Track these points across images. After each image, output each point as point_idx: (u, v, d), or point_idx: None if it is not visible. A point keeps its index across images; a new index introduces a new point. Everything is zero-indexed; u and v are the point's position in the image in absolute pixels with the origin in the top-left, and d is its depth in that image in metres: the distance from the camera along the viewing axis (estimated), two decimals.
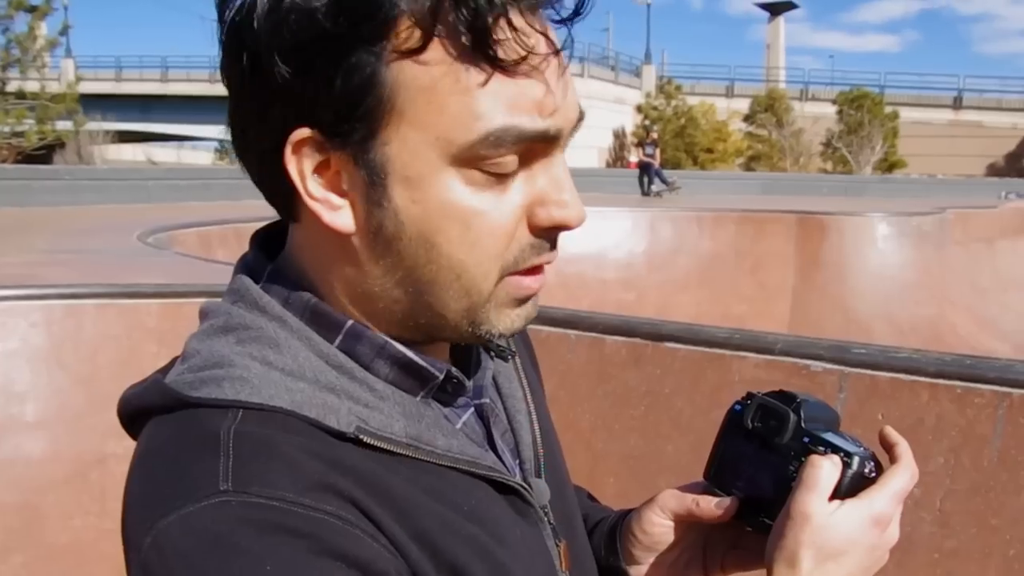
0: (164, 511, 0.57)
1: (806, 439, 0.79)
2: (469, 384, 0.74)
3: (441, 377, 0.70)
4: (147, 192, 15.63)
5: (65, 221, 10.83)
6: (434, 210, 0.63)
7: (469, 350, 0.78)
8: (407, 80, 0.60)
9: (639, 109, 40.18)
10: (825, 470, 0.76)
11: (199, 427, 0.62)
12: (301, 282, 0.69)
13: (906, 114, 40.97)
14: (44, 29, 23.79)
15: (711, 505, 0.86)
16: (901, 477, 0.77)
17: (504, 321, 0.69)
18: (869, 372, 2.59)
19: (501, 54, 0.59)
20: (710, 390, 2.94)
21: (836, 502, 0.75)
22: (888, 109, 39.95)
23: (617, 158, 39.26)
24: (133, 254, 6.94)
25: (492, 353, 0.81)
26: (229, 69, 0.64)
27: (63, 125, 24.87)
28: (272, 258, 0.73)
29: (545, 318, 3.35)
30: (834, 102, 41.22)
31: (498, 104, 0.61)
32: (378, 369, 0.68)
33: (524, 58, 0.60)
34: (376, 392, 0.67)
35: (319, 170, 0.63)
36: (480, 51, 0.59)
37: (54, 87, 25.46)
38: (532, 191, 0.65)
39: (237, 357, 0.65)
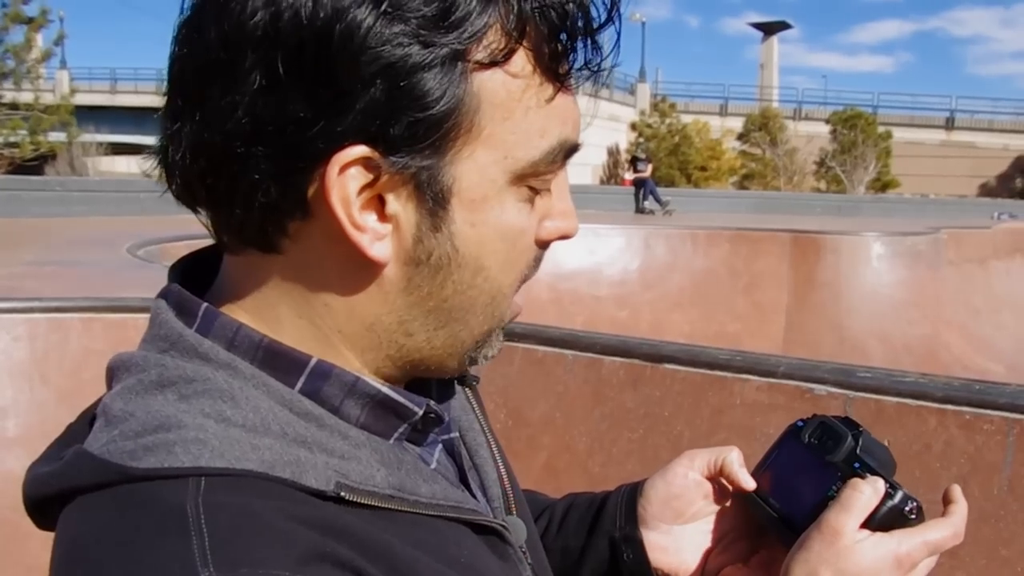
0: None
1: (856, 464, 0.78)
2: (447, 417, 0.69)
3: (420, 413, 0.64)
4: (139, 204, 15.52)
5: (54, 233, 10.76)
6: (490, 233, 0.60)
7: (429, 382, 0.72)
8: (488, 94, 0.57)
9: (633, 127, 40.38)
10: (865, 495, 0.74)
11: (153, 504, 0.52)
12: (255, 319, 0.61)
13: (899, 134, 41.36)
14: (40, 41, 23.82)
15: (738, 465, 0.85)
16: (940, 529, 0.74)
17: (497, 345, 0.67)
18: (874, 397, 2.53)
19: (567, 68, 0.59)
20: (710, 413, 2.86)
21: (866, 531, 0.74)
22: (881, 129, 40.30)
23: (611, 175, 39.41)
24: (121, 267, 6.87)
25: (455, 383, 0.76)
26: (241, 58, 0.54)
27: (56, 136, 24.89)
28: (199, 294, 0.63)
29: (542, 338, 3.29)
30: (827, 121, 41.63)
31: (557, 119, 0.60)
32: (348, 412, 0.61)
33: (579, 71, 0.60)
34: (350, 439, 0.60)
35: (360, 192, 0.56)
36: (555, 65, 0.58)
37: (48, 98, 25.49)
38: (544, 203, 0.64)
39: (186, 416, 0.55)
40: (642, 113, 42.02)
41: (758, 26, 57.94)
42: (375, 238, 0.57)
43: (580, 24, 0.58)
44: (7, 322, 3.91)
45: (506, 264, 0.62)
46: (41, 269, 6.74)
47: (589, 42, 0.59)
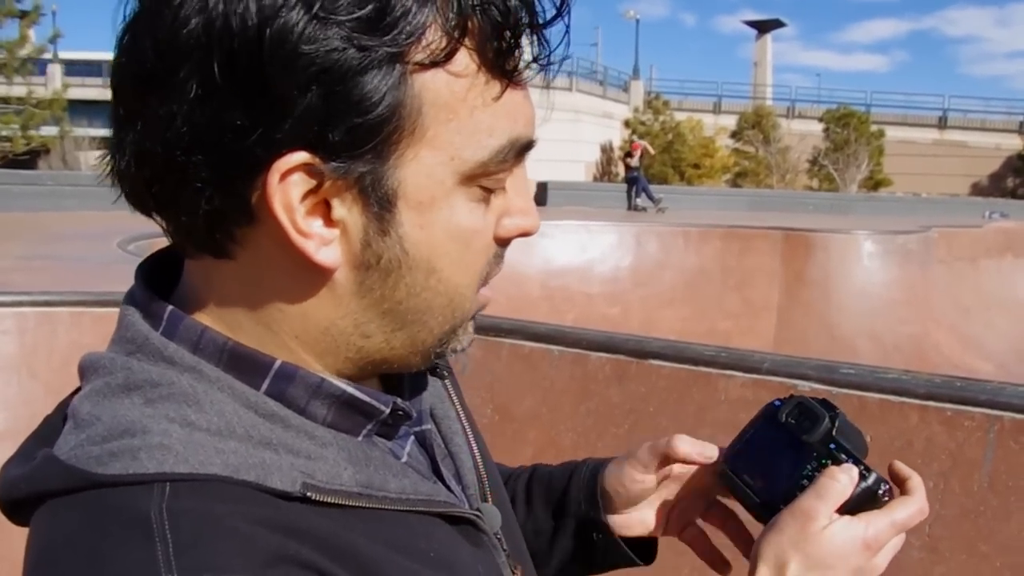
0: None
1: (832, 445, 0.80)
2: (414, 413, 0.69)
3: (387, 411, 0.64)
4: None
5: (45, 227, 10.72)
6: (440, 234, 0.59)
7: (401, 375, 0.72)
8: (430, 95, 0.55)
9: (627, 124, 40.34)
10: (840, 483, 0.75)
11: (118, 511, 0.52)
12: (217, 322, 0.61)
13: (892, 133, 41.41)
14: (33, 36, 23.71)
15: (686, 445, 0.87)
16: (906, 508, 0.76)
17: (465, 337, 0.67)
18: (857, 393, 2.56)
19: (514, 64, 0.58)
20: (695, 409, 2.87)
21: (836, 515, 0.75)
22: (874, 128, 40.32)
23: (604, 172, 39.39)
24: (112, 261, 6.84)
25: (428, 374, 0.76)
26: (176, 67, 0.53)
27: (49, 131, 24.77)
28: (165, 296, 0.63)
29: (528, 333, 3.30)
30: (821, 120, 41.60)
31: (506, 117, 0.59)
32: (315, 412, 0.61)
33: (527, 67, 0.59)
34: (316, 439, 0.60)
35: (304, 199, 0.55)
36: (500, 61, 0.57)
37: (41, 92, 25.38)
38: (502, 202, 0.63)
39: (150, 421, 0.56)
40: (636, 110, 41.94)
41: (752, 24, 57.94)
42: (322, 243, 0.57)
43: (524, 19, 0.57)
44: None
45: (460, 265, 0.61)
46: (31, 263, 6.72)
47: (536, 37, 0.58)
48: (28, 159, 24.83)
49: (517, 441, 3.23)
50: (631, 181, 20.91)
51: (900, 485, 0.79)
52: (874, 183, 39.34)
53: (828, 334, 11.65)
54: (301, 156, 0.54)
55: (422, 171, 0.57)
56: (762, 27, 56.60)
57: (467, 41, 0.55)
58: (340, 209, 0.57)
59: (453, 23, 0.54)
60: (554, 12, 0.58)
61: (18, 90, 23.59)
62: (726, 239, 13.03)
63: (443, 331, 0.64)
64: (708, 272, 12.66)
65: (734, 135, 41.10)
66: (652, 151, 26.24)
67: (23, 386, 3.84)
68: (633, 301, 11.99)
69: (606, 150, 39.93)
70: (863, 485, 0.76)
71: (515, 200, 0.64)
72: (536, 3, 0.58)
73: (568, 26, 0.59)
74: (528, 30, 0.58)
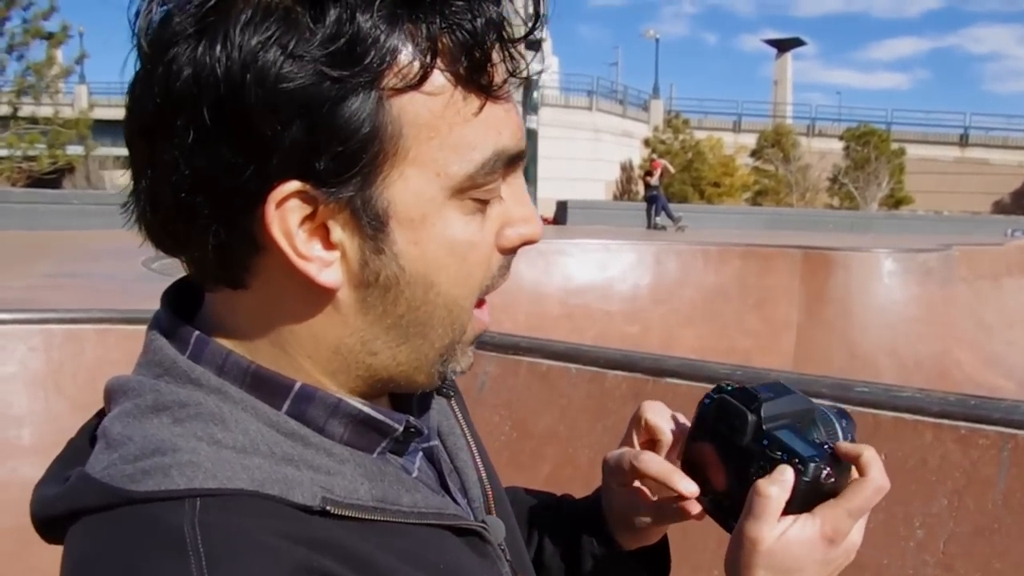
0: None
1: (765, 441, 0.77)
2: (426, 431, 0.72)
3: (401, 429, 0.67)
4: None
5: (71, 245, 10.86)
6: (435, 249, 0.62)
7: (410, 395, 0.75)
8: (409, 116, 0.58)
9: (647, 143, 40.31)
10: (773, 498, 0.73)
11: (153, 526, 0.55)
12: (238, 346, 0.64)
13: (913, 151, 41.08)
14: (60, 57, 24.01)
15: (652, 461, 0.85)
16: (860, 493, 0.74)
17: (466, 358, 0.69)
18: (872, 411, 2.57)
19: (489, 79, 0.60)
20: None
21: (787, 520, 0.74)
22: (895, 146, 40.05)
23: (624, 191, 39.37)
24: (137, 280, 6.93)
25: (434, 392, 0.79)
26: (174, 117, 0.57)
27: (74, 150, 25.02)
28: (188, 319, 0.67)
29: (546, 351, 3.33)
30: (841, 138, 41.36)
31: (489, 130, 0.61)
32: (332, 430, 0.65)
33: (505, 81, 0.60)
34: (334, 456, 0.63)
35: (302, 224, 0.59)
36: (476, 78, 0.59)
37: (67, 112, 25.66)
38: (501, 212, 0.65)
39: (180, 440, 0.59)
40: (655, 129, 41.89)
41: (772, 43, 57.85)
42: (323, 265, 0.60)
43: (493, 36, 0.59)
44: (23, 333, 3.97)
45: (458, 277, 0.63)
46: (57, 281, 6.82)
47: (508, 53, 0.61)
48: (53, 178, 25.09)
49: (535, 458, 3.26)
50: (651, 200, 20.88)
51: (855, 465, 0.76)
52: (895, 201, 39.05)
53: (848, 352, 11.56)
54: (293, 185, 0.57)
55: (410, 189, 0.59)
56: (782, 46, 56.48)
57: (439, 62, 0.58)
58: (337, 232, 0.60)
59: (423, 47, 0.57)
60: (526, 29, 0.61)
61: (45, 110, 23.88)
62: (746, 258, 12.99)
63: (444, 344, 0.66)
64: (727, 291, 12.61)
65: (754, 154, 40.96)
66: (672, 170, 26.25)
67: (50, 402, 3.90)
68: (653, 319, 11.96)
69: (626, 169, 39.92)
70: (804, 480, 0.74)
71: (514, 209, 0.66)
72: (503, 20, 0.60)
73: (539, 41, 0.63)
74: (499, 45, 0.60)
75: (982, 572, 2.35)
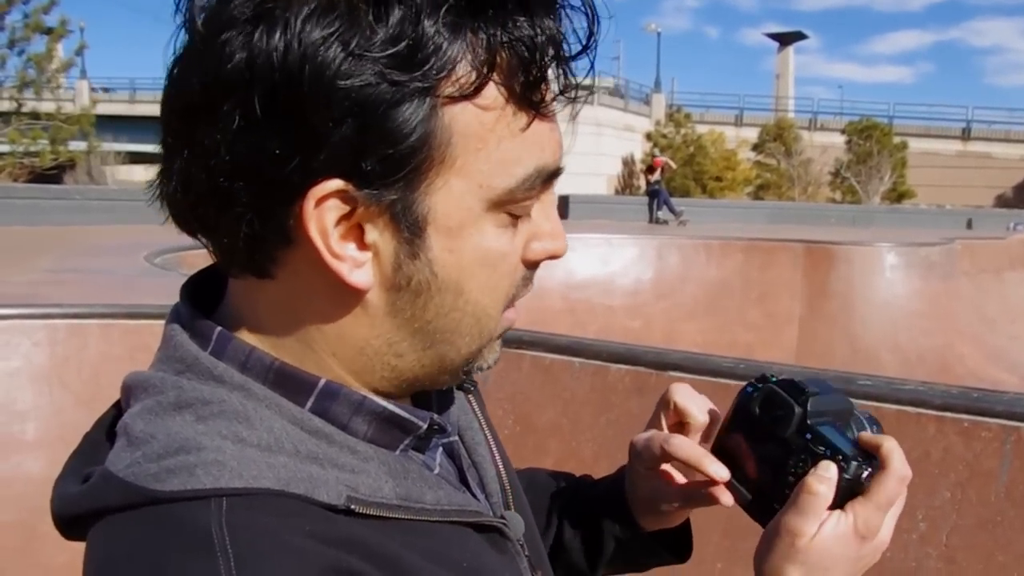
0: None
1: (808, 435, 0.77)
2: (448, 428, 0.72)
3: (425, 426, 0.67)
4: (158, 213, 15.65)
5: (73, 241, 10.86)
6: (469, 258, 0.62)
7: (429, 391, 0.74)
8: (460, 126, 0.58)
9: (648, 137, 40.29)
10: (820, 495, 0.74)
11: (180, 526, 0.55)
12: (261, 342, 0.64)
13: (915, 144, 41.03)
14: (60, 51, 24.02)
15: (683, 444, 0.83)
16: (886, 486, 0.74)
17: (492, 355, 0.69)
18: (874, 404, 2.57)
19: (541, 96, 0.60)
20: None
21: (823, 516, 0.74)
22: (897, 139, 39.98)
23: (626, 185, 39.35)
24: (139, 274, 6.93)
25: (455, 388, 0.79)
26: (221, 100, 0.56)
27: (76, 145, 25.05)
28: (208, 313, 0.66)
29: (549, 345, 3.34)
30: (843, 132, 41.30)
31: (533, 147, 0.61)
32: (356, 428, 0.64)
33: (554, 99, 0.61)
34: (359, 454, 0.63)
35: (338, 223, 0.58)
36: (529, 94, 0.59)
37: (69, 108, 25.68)
38: (530, 225, 0.65)
39: (204, 438, 0.58)
40: (657, 123, 41.87)
41: (774, 36, 57.77)
42: (355, 266, 0.59)
43: (551, 54, 0.59)
44: (27, 328, 3.97)
45: (487, 287, 0.63)
46: (60, 276, 6.81)
47: (562, 71, 0.61)
48: (55, 173, 25.13)
49: (538, 452, 3.27)
50: (652, 194, 20.87)
51: (877, 455, 0.75)
52: (897, 195, 39.02)
53: (851, 346, 11.58)
54: (336, 183, 0.56)
55: (451, 198, 0.59)
56: (784, 40, 56.40)
57: (495, 75, 0.57)
58: (372, 233, 0.59)
59: (482, 59, 0.57)
60: (580, 46, 0.61)
61: (47, 106, 23.90)
62: (748, 252, 13.00)
63: (470, 350, 0.66)
64: (730, 285, 12.62)
65: (756, 148, 40.90)
66: (674, 166, 26.23)
67: (54, 396, 3.90)
68: (655, 314, 11.97)
69: (628, 163, 39.89)
70: (845, 478, 0.74)
71: (543, 224, 0.66)
72: (562, 38, 0.60)
73: (593, 60, 0.62)
74: (555, 63, 0.60)
75: (984, 564, 2.36)
